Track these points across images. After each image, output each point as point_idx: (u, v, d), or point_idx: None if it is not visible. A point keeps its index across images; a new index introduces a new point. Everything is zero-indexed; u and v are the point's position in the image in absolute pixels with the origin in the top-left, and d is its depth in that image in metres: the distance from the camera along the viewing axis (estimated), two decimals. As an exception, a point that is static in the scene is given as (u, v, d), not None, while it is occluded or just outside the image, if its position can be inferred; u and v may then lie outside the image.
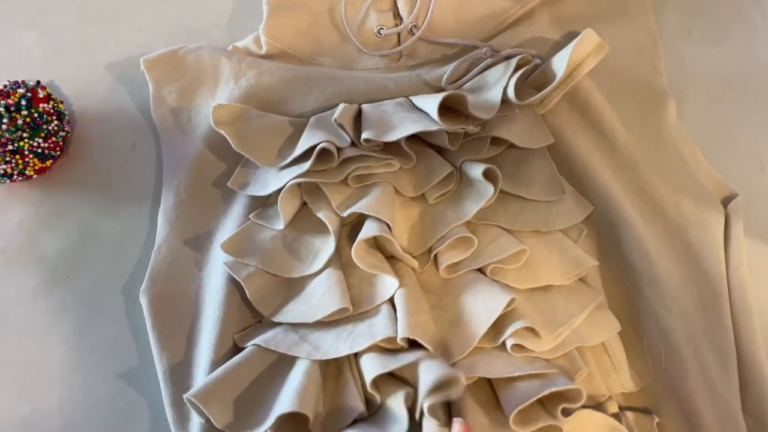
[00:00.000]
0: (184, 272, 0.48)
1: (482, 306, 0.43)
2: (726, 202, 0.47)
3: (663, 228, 0.47)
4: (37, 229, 0.52)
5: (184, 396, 0.41)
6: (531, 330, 0.42)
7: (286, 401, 0.40)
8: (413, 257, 0.46)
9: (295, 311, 0.44)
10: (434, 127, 0.44)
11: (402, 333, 0.41)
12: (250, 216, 0.48)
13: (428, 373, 0.39)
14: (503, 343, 0.42)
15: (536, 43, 0.51)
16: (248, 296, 0.44)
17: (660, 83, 0.50)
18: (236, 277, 0.45)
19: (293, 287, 0.46)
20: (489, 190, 0.45)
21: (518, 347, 0.42)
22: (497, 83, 0.48)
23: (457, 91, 0.46)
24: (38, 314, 0.50)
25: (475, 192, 0.46)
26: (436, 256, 0.46)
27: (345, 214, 0.44)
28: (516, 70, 0.47)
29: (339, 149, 0.46)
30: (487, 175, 0.45)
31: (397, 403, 0.40)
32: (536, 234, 0.46)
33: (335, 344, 0.42)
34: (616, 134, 0.49)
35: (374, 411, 0.41)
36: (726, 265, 0.46)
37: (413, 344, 0.42)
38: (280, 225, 0.46)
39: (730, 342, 0.44)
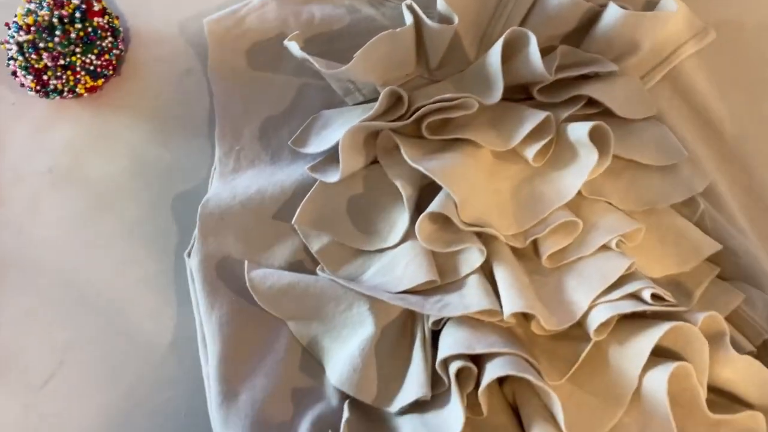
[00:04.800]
0: (234, 230, 0.44)
1: (594, 270, 0.38)
2: None
3: None
4: (86, 150, 0.50)
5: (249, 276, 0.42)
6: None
7: (336, 373, 0.40)
8: (505, 240, 0.41)
9: (376, 281, 0.40)
10: None
11: (513, 307, 0.37)
12: (306, 168, 0.44)
13: (493, 368, 0.36)
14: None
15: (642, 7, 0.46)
16: (323, 267, 0.42)
17: None
18: (310, 249, 0.43)
19: (372, 256, 0.42)
20: (592, 157, 0.39)
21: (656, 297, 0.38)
22: None
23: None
24: (83, 239, 0.48)
25: (577, 160, 0.40)
26: (534, 242, 0.41)
27: (416, 166, 0.40)
28: None
29: (411, 93, 0.43)
30: (594, 135, 0.39)
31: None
32: (647, 214, 0.41)
33: (421, 303, 0.39)
34: (724, 126, 0.45)
35: (440, 391, 0.38)
36: None
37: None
38: (335, 177, 0.43)
39: None
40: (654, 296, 0.37)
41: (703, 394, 0.35)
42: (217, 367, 0.41)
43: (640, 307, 0.36)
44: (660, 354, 0.36)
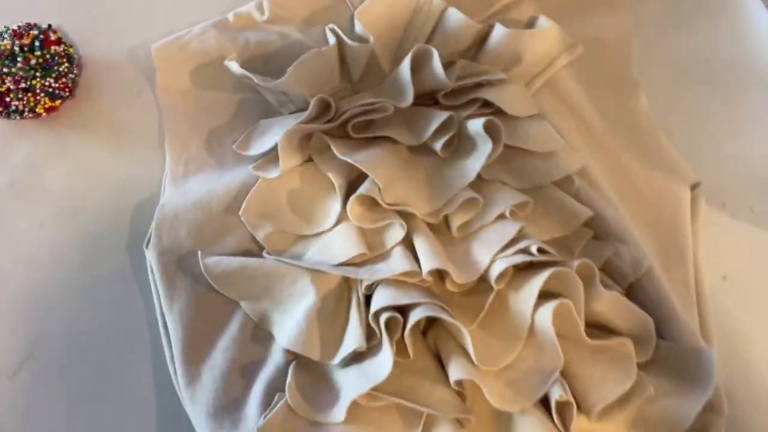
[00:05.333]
0: (187, 227, 0.50)
1: (493, 235, 0.46)
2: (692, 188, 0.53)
3: (638, 204, 0.52)
4: (45, 165, 0.55)
5: (203, 263, 0.47)
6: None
7: (285, 337, 0.46)
8: (422, 218, 0.48)
9: (316, 260, 0.47)
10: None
11: (429, 266, 0.44)
12: (249, 167, 0.51)
13: (415, 314, 0.44)
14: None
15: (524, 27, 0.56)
16: (269, 252, 0.48)
17: (632, 74, 0.56)
18: (256, 236, 0.49)
19: (310, 239, 0.49)
20: (488, 145, 0.48)
21: (541, 251, 0.45)
22: None
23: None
24: (45, 245, 0.53)
25: (476, 150, 0.49)
26: (446, 218, 0.49)
27: (344, 158, 0.48)
28: None
29: (337, 102, 0.51)
30: (488, 128, 0.48)
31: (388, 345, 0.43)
32: (534, 191, 0.49)
33: (355, 271, 0.46)
34: (593, 121, 0.54)
35: (373, 343, 0.45)
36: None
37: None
38: (276, 173, 0.50)
39: (693, 309, 0.49)
40: (540, 250, 0.45)
41: (581, 325, 0.44)
42: (181, 353, 0.47)
43: (529, 259, 0.45)
44: (547, 297, 0.45)
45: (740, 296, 0.51)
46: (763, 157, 0.56)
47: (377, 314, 0.44)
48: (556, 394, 0.42)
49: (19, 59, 0.52)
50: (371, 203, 0.49)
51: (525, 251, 0.45)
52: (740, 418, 0.46)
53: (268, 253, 0.49)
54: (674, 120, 0.56)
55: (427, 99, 0.54)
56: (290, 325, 0.46)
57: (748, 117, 0.57)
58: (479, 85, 0.53)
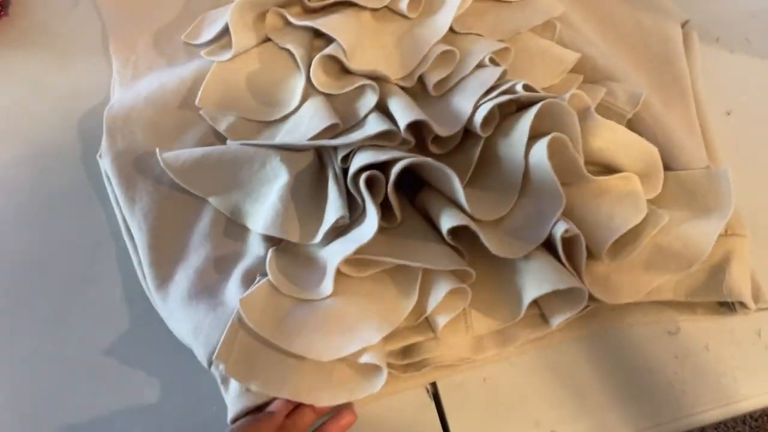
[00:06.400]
0: (141, 125, 0.46)
1: (474, 83, 0.43)
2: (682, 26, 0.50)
3: (626, 46, 0.49)
4: (-16, 86, 0.51)
5: (162, 158, 0.42)
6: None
7: (261, 222, 0.42)
8: (395, 82, 0.45)
9: (286, 139, 0.43)
10: None
11: (407, 119, 0.40)
12: (201, 53, 0.47)
13: (397, 167, 0.39)
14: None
15: None
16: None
17: None
18: (217, 129, 0.45)
19: (277, 125, 0.45)
20: None
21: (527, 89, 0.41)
22: None
23: None
24: (-3, 163, 0.49)
25: (445, 4, 0.46)
26: (421, 78, 0.45)
27: (304, 23, 0.44)
28: None
29: None
30: None
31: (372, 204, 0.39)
32: (514, 41, 0.46)
33: (329, 142, 0.42)
34: None
35: (356, 216, 0.41)
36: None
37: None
38: (230, 54, 0.46)
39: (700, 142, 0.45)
40: (526, 87, 0.41)
41: (580, 160, 0.39)
42: (147, 255, 0.43)
43: (515, 96, 0.41)
44: (540, 138, 0.40)
45: (746, 130, 0.47)
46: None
47: (356, 177, 0.40)
48: (561, 229, 0.38)
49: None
50: (338, 71, 0.45)
51: (509, 92, 0.41)
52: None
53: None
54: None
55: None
56: (266, 209, 0.42)
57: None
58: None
